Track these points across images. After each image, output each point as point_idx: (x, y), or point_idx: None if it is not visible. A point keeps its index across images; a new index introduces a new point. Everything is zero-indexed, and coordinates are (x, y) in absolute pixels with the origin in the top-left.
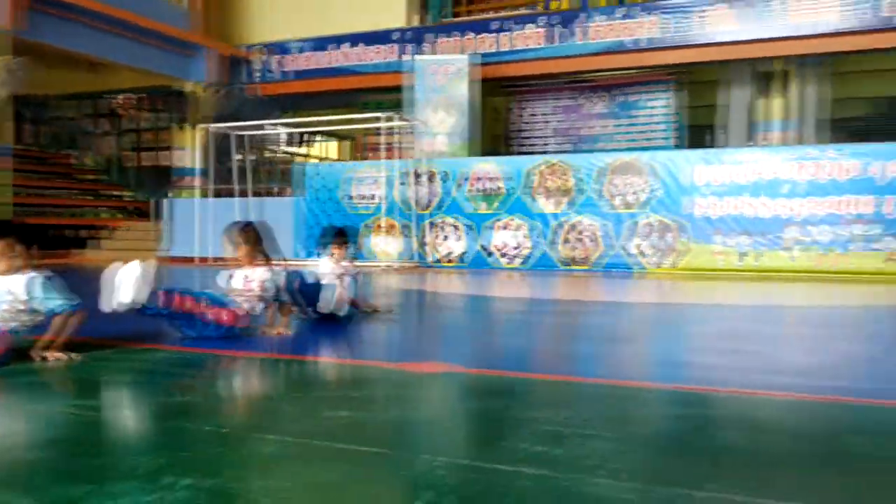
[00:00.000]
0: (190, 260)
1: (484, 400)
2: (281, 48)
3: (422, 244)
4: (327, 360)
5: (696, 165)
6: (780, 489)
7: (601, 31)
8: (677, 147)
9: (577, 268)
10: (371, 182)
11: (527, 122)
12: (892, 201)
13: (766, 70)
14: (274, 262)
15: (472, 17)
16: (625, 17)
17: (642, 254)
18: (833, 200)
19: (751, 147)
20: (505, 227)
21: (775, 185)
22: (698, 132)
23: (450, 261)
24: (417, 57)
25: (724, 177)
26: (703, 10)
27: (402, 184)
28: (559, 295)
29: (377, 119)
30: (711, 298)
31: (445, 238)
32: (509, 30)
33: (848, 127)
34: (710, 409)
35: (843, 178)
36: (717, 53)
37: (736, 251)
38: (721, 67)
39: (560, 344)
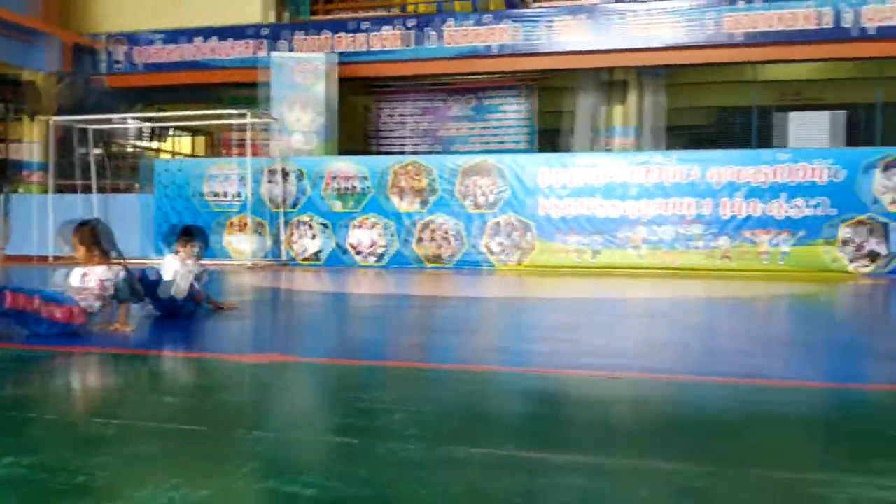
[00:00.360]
0: (28, 259)
1: (310, 385)
2: (131, 39)
3: (278, 242)
4: (165, 353)
5: (541, 168)
6: (556, 445)
7: (457, 35)
8: (530, 150)
9: (431, 265)
10: (225, 179)
11: (387, 123)
12: (715, 204)
13: (610, 79)
14: (113, 261)
15: (331, 17)
16: (479, 23)
17: (492, 252)
18: (673, 202)
19: (593, 152)
20: (361, 226)
21: (615, 187)
22: (549, 136)
23: (306, 259)
24: (274, 54)
25: (567, 179)
26: (552, 21)
27: (258, 181)
28: (410, 291)
29: (231, 115)
30: (550, 293)
31: (302, 237)
32: (367, 30)
33: (685, 134)
34: (517, 386)
35: (682, 181)
36: (564, 62)
37: (578, 249)
38: (570, 75)
39: (398, 335)
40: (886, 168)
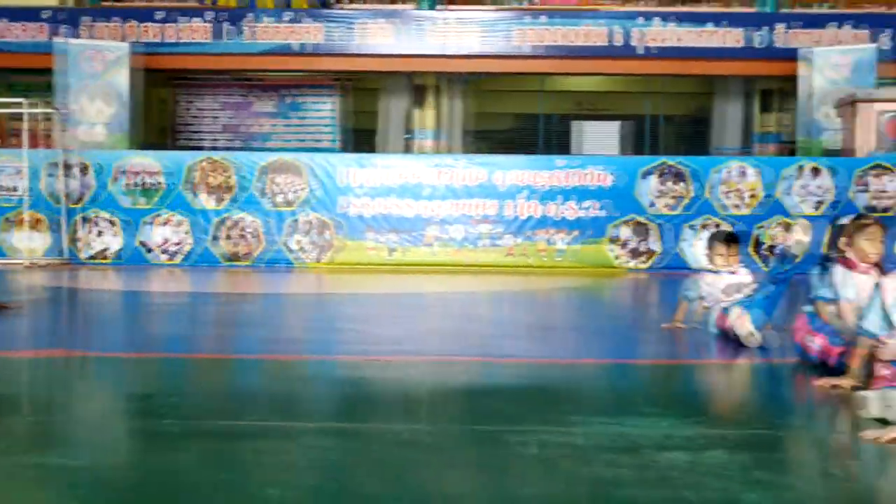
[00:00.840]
0: None
1: (89, 376)
2: None
3: (73, 240)
4: None
5: (349, 168)
6: (309, 416)
7: (268, 32)
8: (342, 150)
9: (238, 263)
10: (13, 172)
11: (195, 117)
12: (512, 205)
13: (420, 83)
14: None
15: (135, 4)
16: (291, 20)
17: (302, 249)
18: (465, 202)
19: (394, 153)
20: (165, 223)
21: (411, 187)
22: (361, 136)
23: (105, 257)
24: (71, 40)
25: (374, 179)
26: (365, 23)
27: (51, 175)
28: (207, 289)
29: (19, 104)
30: (353, 288)
31: (100, 234)
32: (175, 21)
33: (488, 138)
34: (294, 372)
35: (474, 183)
36: (371, 64)
37: (385, 247)
38: (381, 77)
39: (188, 330)
40: (661, 174)
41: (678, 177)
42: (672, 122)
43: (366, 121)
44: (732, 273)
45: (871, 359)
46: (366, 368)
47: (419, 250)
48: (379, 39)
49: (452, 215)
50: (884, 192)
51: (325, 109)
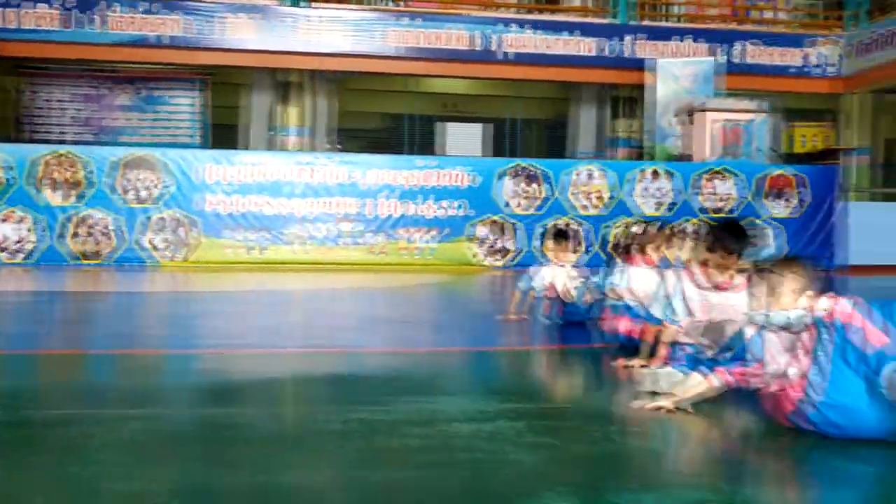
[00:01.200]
0: None
1: None
2: None
3: None
4: None
5: (207, 164)
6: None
7: (123, 22)
8: (202, 145)
9: (88, 262)
10: None
11: (42, 108)
12: (374, 204)
13: (285, 80)
14: None
15: None
16: (148, 11)
17: (155, 248)
18: (333, 201)
19: (260, 150)
20: (5, 220)
21: (279, 185)
22: (224, 132)
23: None
24: None
25: (234, 176)
26: (225, 17)
27: None
28: (55, 287)
29: None
30: (204, 286)
31: None
32: (18, 6)
33: (358, 137)
34: (116, 365)
35: (341, 181)
36: (239, 59)
37: (245, 245)
38: (245, 72)
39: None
40: (513, 175)
41: (532, 178)
42: (532, 125)
43: (228, 116)
44: (562, 266)
45: (657, 341)
46: (200, 361)
47: (281, 249)
48: (242, 34)
49: (315, 214)
50: (714, 194)
51: (184, 104)
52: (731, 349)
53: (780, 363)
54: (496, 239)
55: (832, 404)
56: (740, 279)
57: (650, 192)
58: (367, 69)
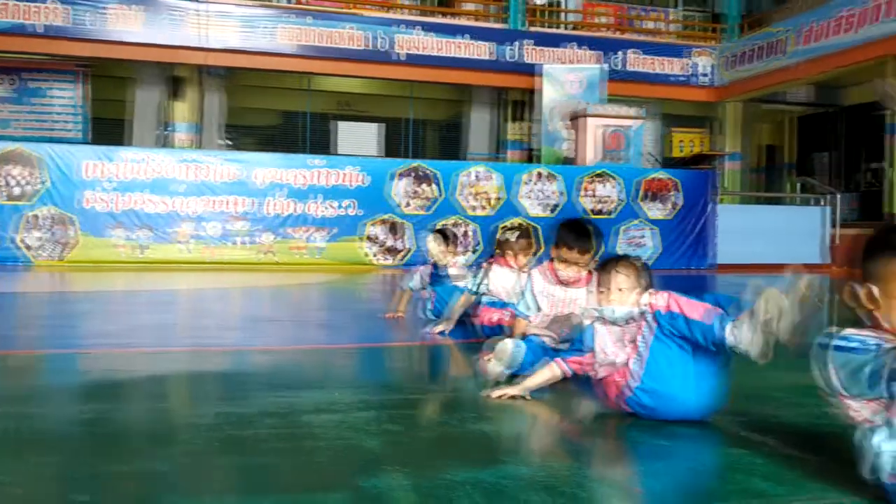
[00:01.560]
0: None
1: None
2: None
3: None
4: None
5: (94, 160)
6: None
7: (1, 9)
8: (83, 140)
9: None
10: None
11: None
12: (268, 202)
13: (177, 75)
14: None
15: None
16: None
17: (28, 247)
18: (221, 199)
19: (144, 147)
20: None
21: (164, 183)
22: (110, 126)
23: None
24: None
25: (114, 173)
26: (108, 7)
27: None
28: None
29: None
30: (87, 286)
31: None
32: None
33: (253, 134)
34: None
35: (229, 179)
36: (127, 52)
37: (127, 244)
38: (132, 66)
39: None
40: (406, 175)
41: (426, 179)
42: (427, 126)
43: (115, 111)
44: (447, 266)
45: (524, 335)
46: (66, 361)
47: (172, 248)
48: (127, 26)
49: (201, 212)
50: (595, 196)
51: (63, 97)
52: (571, 341)
53: (609, 353)
54: (388, 238)
55: (646, 389)
56: (583, 275)
57: (537, 194)
58: (258, 66)
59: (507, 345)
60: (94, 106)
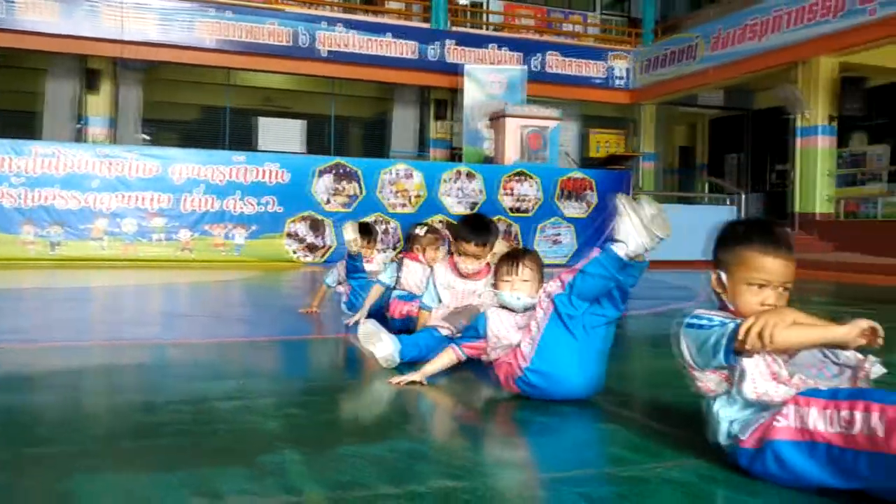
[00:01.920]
0: None
1: None
2: None
3: None
4: None
5: (2, 155)
6: None
7: None
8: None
9: None
10: None
11: None
12: (187, 199)
13: (93, 67)
14: None
15: None
16: None
17: None
18: (136, 195)
19: (55, 140)
20: None
21: (77, 178)
22: (22, 119)
23: None
24: None
25: (22, 167)
26: None
27: None
28: None
29: None
30: None
31: None
32: None
33: (173, 129)
34: None
35: (145, 175)
36: (33, 42)
37: (37, 241)
38: (47, 57)
39: None
40: (328, 172)
41: (350, 176)
42: (352, 123)
43: (27, 103)
44: (368, 262)
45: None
46: None
47: (87, 244)
48: (39, 16)
49: (116, 208)
50: (512, 194)
51: None
52: (471, 328)
53: (502, 338)
54: (315, 236)
55: (535, 370)
56: (483, 267)
57: (459, 192)
58: (176, 59)
59: (368, 326)
60: (3, 97)
